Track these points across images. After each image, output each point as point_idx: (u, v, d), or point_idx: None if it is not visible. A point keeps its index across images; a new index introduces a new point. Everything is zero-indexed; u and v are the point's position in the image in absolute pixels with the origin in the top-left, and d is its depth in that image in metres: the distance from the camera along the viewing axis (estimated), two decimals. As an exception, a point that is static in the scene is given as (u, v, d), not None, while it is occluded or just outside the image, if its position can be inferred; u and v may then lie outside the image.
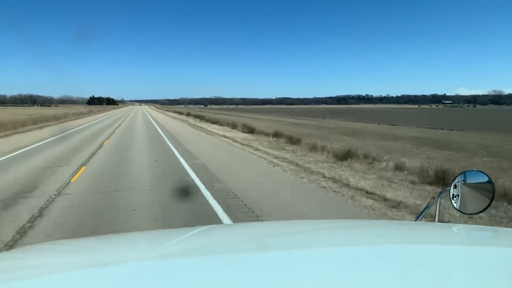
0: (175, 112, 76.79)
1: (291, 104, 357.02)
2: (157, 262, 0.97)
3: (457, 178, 1.58)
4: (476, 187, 1.55)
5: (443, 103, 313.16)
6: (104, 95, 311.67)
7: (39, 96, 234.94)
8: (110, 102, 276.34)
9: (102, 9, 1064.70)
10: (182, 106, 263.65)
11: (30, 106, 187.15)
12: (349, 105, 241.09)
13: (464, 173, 1.59)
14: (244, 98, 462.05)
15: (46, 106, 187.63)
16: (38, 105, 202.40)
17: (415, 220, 1.75)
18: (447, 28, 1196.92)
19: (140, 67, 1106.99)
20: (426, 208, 1.65)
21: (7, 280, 0.85)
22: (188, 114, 53.19)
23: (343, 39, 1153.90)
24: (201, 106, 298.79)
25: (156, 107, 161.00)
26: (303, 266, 0.91)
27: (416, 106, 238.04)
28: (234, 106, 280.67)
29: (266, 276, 0.84)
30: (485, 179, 1.53)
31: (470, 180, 1.56)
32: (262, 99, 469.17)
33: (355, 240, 1.27)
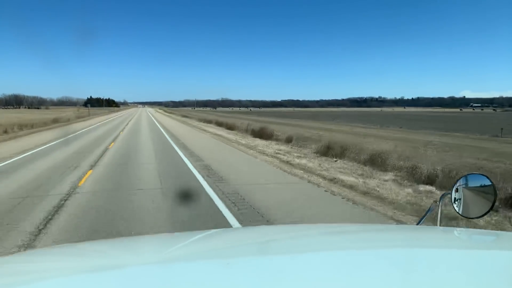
0: (201, 120, 46.58)
1: (306, 106, 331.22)
2: (160, 266, 0.96)
3: (458, 182, 1.54)
4: (477, 190, 1.51)
5: (471, 105, 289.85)
6: (106, 96, 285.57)
7: (27, 96, 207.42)
8: (110, 103, 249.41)
9: (106, 10, 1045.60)
10: (189, 108, 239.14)
11: (15, 108, 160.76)
12: (382, 109, 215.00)
13: (465, 176, 1.55)
14: (252, 100, 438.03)
15: (36, 108, 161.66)
16: (25, 107, 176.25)
17: (417, 224, 1.72)
18: (454, 30, 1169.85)
19: (143, 69, 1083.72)
20: (427, 212, 1.63)
21: (8, 284, 0.84)
22: (248, 130, 24.05)
23: (350, 41, 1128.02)
24: (208, 108, 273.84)
25: (164, 111, 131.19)
26: (305, 270, 0.89)
27: (458, 109, 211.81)
28: (246, 109, 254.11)
29: (268, 280, 0.82)
30: (487, 182, 1.49)
31: (472, 183, 1.52)
32: (271, 101, 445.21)
33: (356, 244, 1.25)
